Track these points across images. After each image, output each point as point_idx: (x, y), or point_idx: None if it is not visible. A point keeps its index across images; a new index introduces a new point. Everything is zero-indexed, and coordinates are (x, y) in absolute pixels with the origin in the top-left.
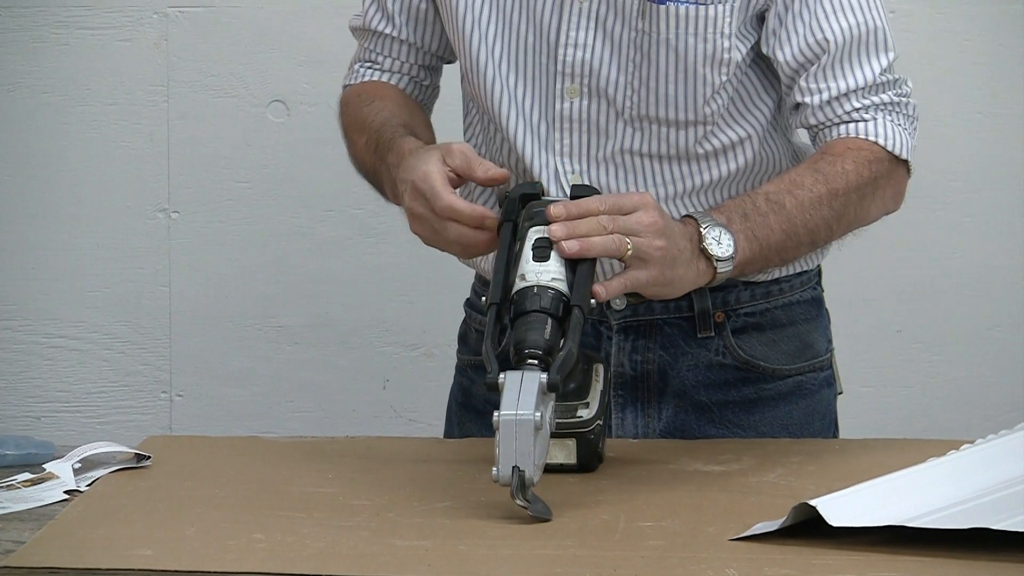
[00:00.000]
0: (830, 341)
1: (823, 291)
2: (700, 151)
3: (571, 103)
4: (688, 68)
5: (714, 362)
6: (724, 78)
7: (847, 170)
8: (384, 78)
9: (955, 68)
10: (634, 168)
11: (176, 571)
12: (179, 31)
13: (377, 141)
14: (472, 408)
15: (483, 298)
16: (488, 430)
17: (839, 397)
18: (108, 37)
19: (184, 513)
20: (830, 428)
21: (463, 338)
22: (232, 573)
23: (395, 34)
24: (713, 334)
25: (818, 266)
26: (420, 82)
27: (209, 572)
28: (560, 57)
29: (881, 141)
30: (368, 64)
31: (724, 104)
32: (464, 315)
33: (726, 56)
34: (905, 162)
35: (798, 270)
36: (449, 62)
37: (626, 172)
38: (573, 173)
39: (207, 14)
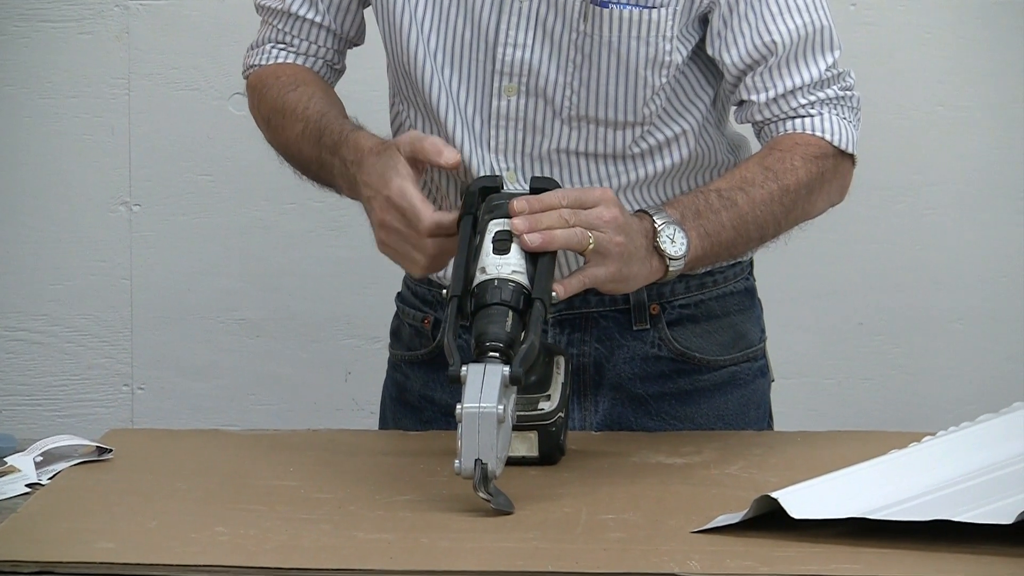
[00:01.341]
0: (763, 331)
1: (755, 281)
2: (636, 150)
3: (508, 101)
4: (629, 70)
5: (650, 354)
6: (664, 80)
7: (796, 167)
8: (299, 61)
9: (917, 61)
10: (569, 166)
11: (138, 564)
12: (140, 24)
13: (320, 132)
14: (407, 404)
15: (445, 292)
16: (422, 425)
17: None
18: (69, 30)
19: (146, 506)
20: (764, 418)
21: (395, 333)
22: (194, 566)
23: (316, 19)
24: (648, 326)
25: (751, 257)
26: (333, 65)
27: (171, 565)
28: (499, 56)
29: (828, 137)
30: (282, 46)
31: (662, 104)
32: (395, 309)
33: (667, 59)
34: (851, 155)
35: (731, 261)
36: (358, 45)
37: (561, 170)
38: (508, 170)
39: (168, 7)
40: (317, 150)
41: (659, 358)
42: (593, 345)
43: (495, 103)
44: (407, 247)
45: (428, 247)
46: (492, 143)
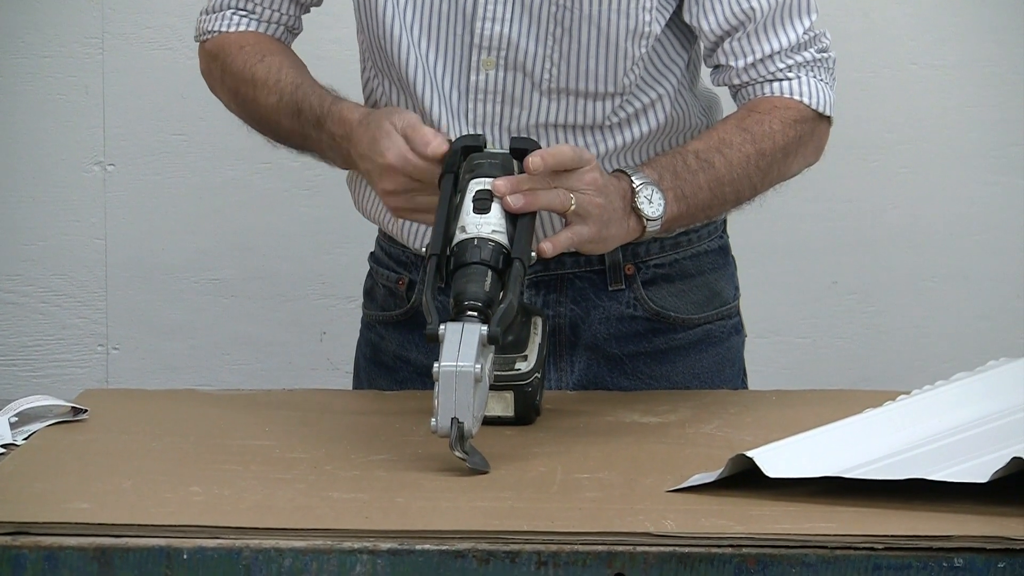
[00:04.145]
0: (737, 288)
1: (729, 239)
2: (615, 119)
3: (486, 75)
4: (610, 42)
5: (625, 314)
6: (644, 50)
7: (774, 130)
8: (260, 28)
9: (890, 19)
10: (547, 138)
11: (113, 524)
12: None
13: (297, 105)
14: (381, 364)
15: (425, 250)
16: (397, 386)
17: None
18: None
19: (121, 466)
20: (739, 375)
21: (369, 293)
22: (169, 526)
23: None
24: (624, 287)
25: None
26: (292, 29)
27: (146, 525)
28: (477, 30)
29: (806, 100)
30: (243, 13)
31: (640, 73)
32: (369, 269)
33: (647, 29)
34: (828, 117)
35: (706, 222)
36: (317, 6)
37: (539, 141)
38: (491, 147)
39: None
40: (297, 124)
41: (634, 318)
42: (569, 306)
43: (473, 77)
44: (419, 199)
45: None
46: (470, 116)
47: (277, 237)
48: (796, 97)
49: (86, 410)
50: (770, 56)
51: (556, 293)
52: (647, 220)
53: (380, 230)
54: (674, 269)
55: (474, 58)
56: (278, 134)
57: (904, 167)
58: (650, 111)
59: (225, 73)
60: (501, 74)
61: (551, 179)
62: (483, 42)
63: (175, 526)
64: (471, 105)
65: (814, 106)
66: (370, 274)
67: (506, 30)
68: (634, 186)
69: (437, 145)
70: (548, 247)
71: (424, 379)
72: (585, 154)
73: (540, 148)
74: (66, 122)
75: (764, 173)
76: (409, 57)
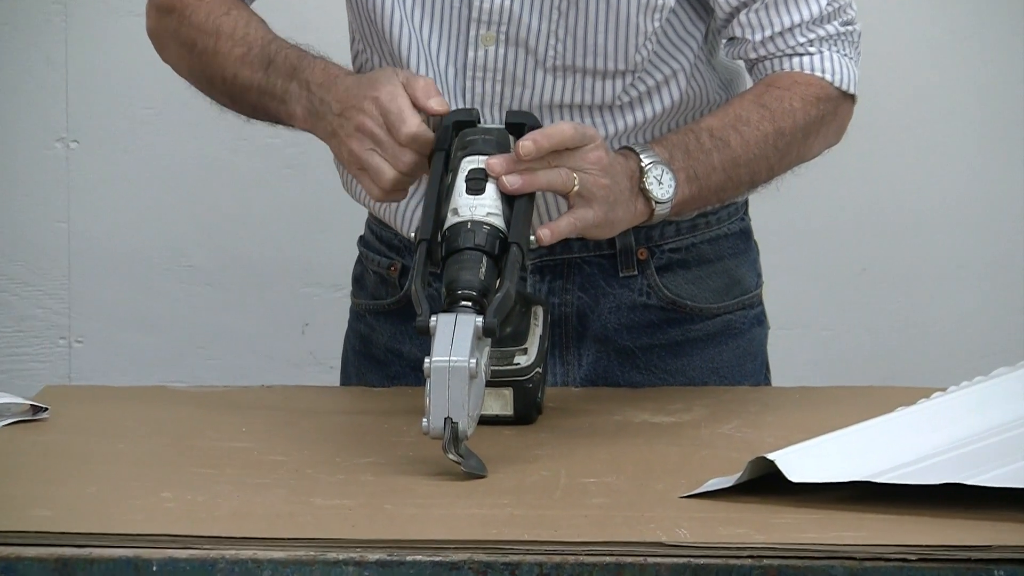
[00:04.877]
0: (759, 275)
1: (750, 220)
2: (625, 98)
3: (485, 51)
4: (620, 17)
5: (637, 303)
6: (657, 24)
7: (795, 108)
8: None
9: None
10: (552, 118)
11: (76, 533)
12: None
13: (269, 57)
14: (371, 357)
15: (414, 235)
16: (388, 381)
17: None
18: None
19: (85, 470)
20: (761, 370)
21: (358, 280)
22: (137, 535)
23: None
24: (636, 273)
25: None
26: None
27: (113, 534)
28: (475, 2)
29: (829, 77)
30: None
31: (653, 48)
32: (358, 254)
33: (660, 2)
34: (852, 95)
35: (718, 206)
36: None
37: (543, 122)
38: (485, 122)
39: None
40: (263, 75)
41: (647, 307)
42: (576, 294)
43: (471, 53)
44: (377, 158)
45: (402, 159)
46: (467, 96)
47: (256, 220)
48: (818, 73)
49: (47, 408)
50: (790, 29)
51: (562, 280)
52: (656, 203)
53: (370, 213)
54: (691, 254)
55: (472, 33)
56: (232, 90)
57: (939, 144)
58: (664, 89)
59: (182, 25)
60: (501, 50)
61: (552, 157)
62: (482, 15)
63: (144, 535)
64: (469, 84)
65: (837, 83)
66: (359, 260)
67: (507, 3)
68: (643, 165)
69: (439, 102)
70: (546, 234)
71: (418, 374)
72: (588, 131)
73: (538, 124)
74: (25, 95)
75: (782, 154)
76: (402, 31)
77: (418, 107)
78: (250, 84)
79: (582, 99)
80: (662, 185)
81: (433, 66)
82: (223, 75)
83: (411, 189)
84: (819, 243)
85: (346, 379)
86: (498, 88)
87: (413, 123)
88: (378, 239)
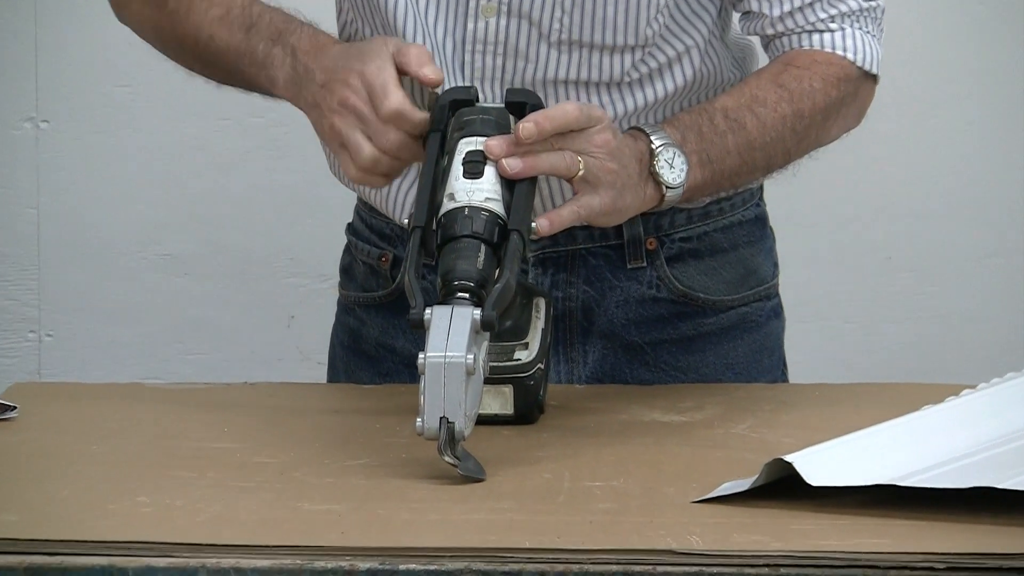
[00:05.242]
0: (776, 265)
1: (766, 206)
2: (635, 75)
3: (486, 23)
4: None
5: (646, 296)
6: None
7: (815, 89)
8: None
9: None
10: (556, 96)
11: (47, 540)
12: None
13: (251, 20)
14: (361, 353)
15: (407, 221)
16: (380, 379)
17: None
18: None
19: (56, 473)
20: (778, 366)
21: (346, 271)
22: (112, 542)
23: None
24: (645, 264)
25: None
26: None
27: (86, 541)
28: None
29: (851, 56)
30: None
31: (664, 22)
32: (346, 243)
33: None
34: (874, 76)
35: (730, 192)
36: None
37: (547, 100)
38: (484, 101)
39: None
40: (243, 37)
41: (657, 300)
42: (581, 287)
43: (470, 25)
44: (358, 134)
45: (383, 136)
46: (466, 71)
47: (239, 206)
48: (839, 52)
49: (15, 407)
50: (810, 4)
51: (566, 272)
52: (667, 188)
53: (359, 198)
54: (703, 243)
55: (472, 3)
56: (206, 52)
57: (969, 123)
58: (676, 66)
59: None
60: (503, 22)
61: (555, 140)
62: None
63: (119, 542)
64: (468, 57)
65: (859, 63)
66: (348, 249)
67: None
68: (653, 147)
69: (433, 70)
70: (544, 224)
71: (412, 371)
72: (595, 111)
73: (540, 103)
74: None
75: (800, 137)
76: (397, 0)
77: (410, 76)
78: (228, 47)
79: (588, 75)
80: (673, 169)
81: (430, 38)
82: (197, 36)
83: (404, 172)
84: (839, 230)
85: (334, 376)
86: (499, 63)
87: (396, 98)
88: (368, 227)
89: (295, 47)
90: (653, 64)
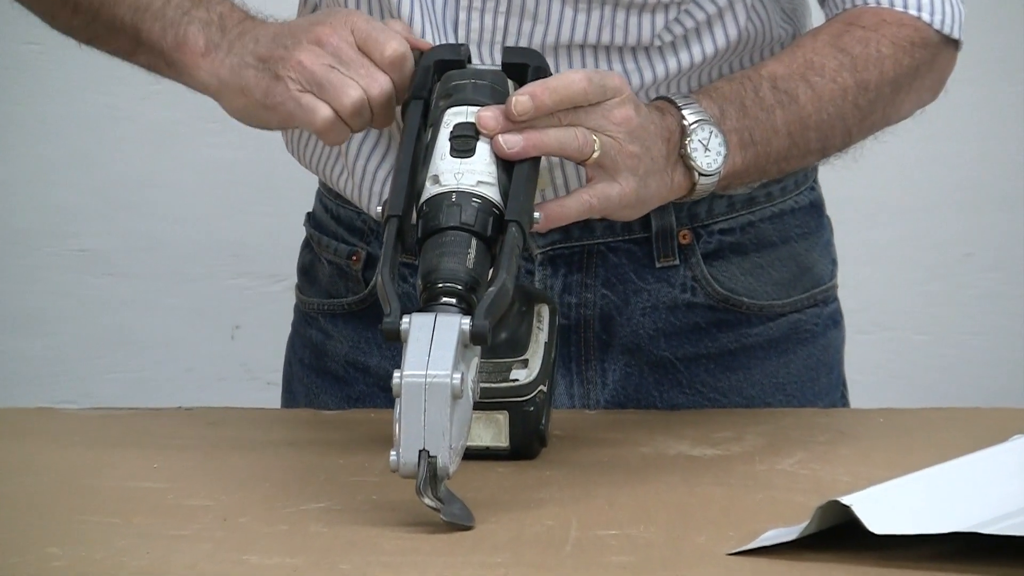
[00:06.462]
0: (835, 261)
1: (821, 190)
2: (668, 37)
3: None
4: None
5: (679, 301)
6: None
7: (883, 55)
8: None
9: None
10: (571, 63)
11: None
12: None
13: None
14: (326, 373)
15: (381, 209)
16: (349, 404)
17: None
18: None
19: None
20: (837, 386)
21: (306, 272)
22: None
23: None
24: (677, 262)
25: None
26: None
27: None
28: None
29: (927, 16)
30: None
31: None
32: (305, 237)
33: None
34: (956, 41)
35: (779, 177)
36: None
37: (556, 68)
38: (478, 63)
39: None
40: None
41: (692, 306)
42: (599, 291)
43: None
44: (339, 75)
45: (374, 79)
46: (460, 32)
47: (170, 190)
48: (913, 11)
49: None
50: None
51: (581, 273)
52: (699, 174)
53: (322, 182)
54: (748, 236)
55: None
56: (97, 13)
57: None
58: (717, 24)
59: None
60: None
61: (564, 114)
62: None
63: None
64: (463, 16)
65: (937, 25)
66: (308, 244)
67: None
68: (684, 124)
69: (396, 48)
70: (542, 217)
71: (389, 394)
72: (610, 80)
73: (545, 66)
74: None
75: (864, 114)
76: None
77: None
78: (128, 5)
79: (612, 38)
80: (709, 152)
81: None
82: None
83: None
84: (908, 221)
85: (290, 399)
86: (500, 23)
87: (399, 40)
88: (334, 218)
89: (223, 14)
90: (690, 23)
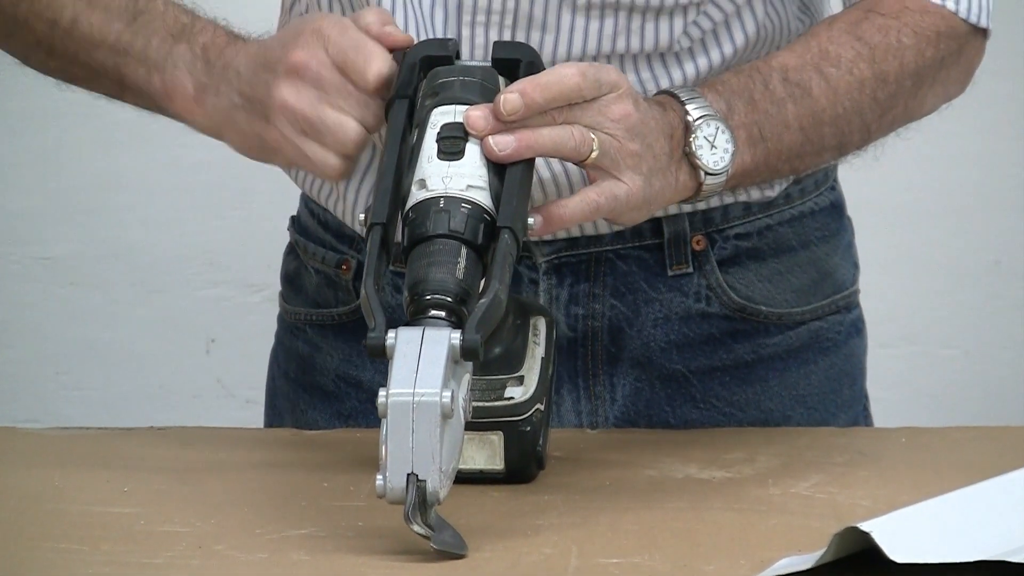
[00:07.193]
0: (856, 265)
1: (841, 189)
2: (685, 43)
3: None
4: None
5: (693, 311)
6: None
7: (904, 45)
8: None
9: None
10: None
11: None
12: None
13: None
14: (315, 388)
15: (364, 216)
16: (340, 421)
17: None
18: None
19: None
20: (859, 399)
21: (291, 280)
22: None
23: None
24: (691, 269)
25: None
26: None
27: None
28: None
29: (952, 4)
30: None
31: None
32: (289, 242)
33: None
34: (983, 31)
35: (791, 176)
36: None
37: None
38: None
39: None
40: (125, 28)
41: (707, 316)
42: (608, 301)
43: None
44: (326, 109)
45: (366, 108)
46: (466, 49)
47: (138, 193)
48: (937, 0)
49: None
50: None
51: (588, 282)
52: (706, 173)
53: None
54: (766, 240)
55: None
56: (64, 41)
57: None
58: (735, 23)
59: None
60: None
61: (559, 111)
62: None
63: None
64: (466, 32)
65: (963, 13)
66: (293, 251)
67: None
68: (689, 119)
69: (378, 71)
70: (539, 220)
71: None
72: (606, 75)
73: (538, 60)
74: None
75: (884, 108)
76: None
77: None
78: (100, 38)
79: (627, 46)
80: (715, 149)
81: (414, 8)
82: (52, 17)
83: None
84: (932, 227)
85: (274, 416)
86: (506, 36)
87: (382, 59)
88: (321, 224)
89: (206, 46)
90: (707, 25)
